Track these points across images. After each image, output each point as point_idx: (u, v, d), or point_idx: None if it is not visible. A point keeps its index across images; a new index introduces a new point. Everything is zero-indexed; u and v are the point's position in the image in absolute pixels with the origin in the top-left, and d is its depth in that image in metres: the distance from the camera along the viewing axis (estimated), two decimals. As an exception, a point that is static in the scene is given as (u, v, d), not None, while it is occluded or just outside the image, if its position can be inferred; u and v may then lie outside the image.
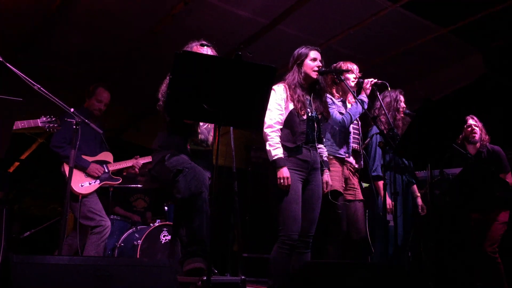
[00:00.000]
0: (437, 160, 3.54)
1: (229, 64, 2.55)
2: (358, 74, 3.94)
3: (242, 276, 3.09)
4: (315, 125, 3.41)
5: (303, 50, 3.49)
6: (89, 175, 4.24)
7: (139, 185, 5.45)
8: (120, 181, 4.47)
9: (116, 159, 4.51)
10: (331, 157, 3.82)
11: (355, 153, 4.00)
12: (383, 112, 4.13)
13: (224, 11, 4.73)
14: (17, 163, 8.36)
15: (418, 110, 3.50)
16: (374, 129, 4.29)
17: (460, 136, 4.64)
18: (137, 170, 4.57)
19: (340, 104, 3.92)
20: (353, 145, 3.96)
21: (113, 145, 4.72)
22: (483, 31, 5.18)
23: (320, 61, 3.45)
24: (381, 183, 4.12)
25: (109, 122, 6.14)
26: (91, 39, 5.19)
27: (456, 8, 4.74)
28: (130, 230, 4.91)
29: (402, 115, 4.28)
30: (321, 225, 3.40)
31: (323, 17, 4.90)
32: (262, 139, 3.35)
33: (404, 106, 4.33)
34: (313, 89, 3.50)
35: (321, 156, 3.50)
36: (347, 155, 3.87)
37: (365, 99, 3.78)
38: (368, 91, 3.81)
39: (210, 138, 3.39)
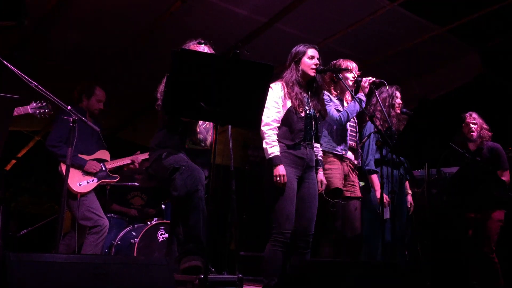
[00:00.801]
0: (434, 159, 3.54)
1: (227, 62, 2.54)
2: (357, 72, 3.93)
3: (239, 274, 3.10)
4: (313, 123, 3.43)
5: (301, 48, 3.49)
6: (87, 173, 4.22)
7: (136, 183, 5.44)
8: (118, 179, 4.46)
9: (113, 158, 4.50)
10: (330, 155, 3.82)
11: (352, 150, 4.00)
12: (379, 108, 4.13)
13: (222, 9, 4.72)
14: (13, 161, 8.34)
15: (415, 109, 3.51)
16: (369, 126, 4.29)
17: (462, 133, 4.64)
18: (136, 165, 4.55)
19: (337, 102, 3.92)
20: (350, 142, 3.95)
21: (109, 143, 4.71)
22: (481, 31, 5.19)
23: (318, 59, 3.46)
24: (374, 176, 4.13)
25: (105, 120, 6.12)
26: (88, 37, 5.18)
27: (454, 8, 4.75)
28: (127, 228, 4.90)
29: (398, 111, 4.28)
30: (316, 223, 3.40)
31: (321, 16, 4.90)
32: (259, 137, 3.36)
33: (400, 102, 4.33)
34: (310, 87, 3.51)
35: (316, 155, 3.51)
36: (344, 152, 3.86)
37: (363, 98, 3.78)
38: (366, 90, 3.81)
39: (209, 138, 3.39)
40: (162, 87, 3.21)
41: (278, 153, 3.24)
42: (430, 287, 3.20)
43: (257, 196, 4.55)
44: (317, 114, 3.49)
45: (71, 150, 3.36)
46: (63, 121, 4.07)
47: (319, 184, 3.49)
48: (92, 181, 4.24)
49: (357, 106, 3.75)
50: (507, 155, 4.64)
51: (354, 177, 3.96)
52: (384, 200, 4.00)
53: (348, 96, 4.03)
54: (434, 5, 4.73)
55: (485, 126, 4.61)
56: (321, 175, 3.54)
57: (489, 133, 4.59)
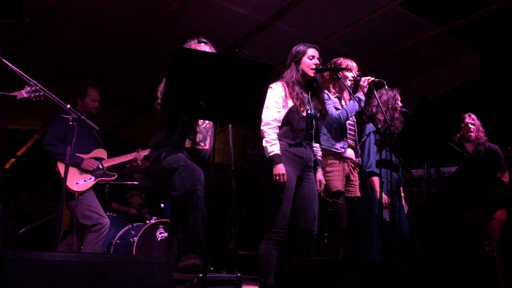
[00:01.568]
0: (433, 159, 3.55)
1: (226, 61, 2.54)
2: (357, 72, 3.93)
3: (238, 273, 3.10)
4: (313, 122, 3.43)
5: (301, 47, 3.49)
6: (84, 171, 4.20)
7: (135, 182, 5.44)
8: (116, 177, 4.44)
9: (111, 156, 4.49)
10: (331, 156, 3.81)
11: (352, 148, 3.99)
12: (380, 110, 4.13)
13: (221, 8, 4.72)
14: (12, 159, 8.33)
15: (414, 108, 3.51)
16: (369, 127, 4.29)
17: (458, 134, 4.64)
18: (139, 162, 4.53)
19: (336, 100, 3.91)
20: (350, 141, 3.95)
21: (108, 142, 4.71)
22: (480, 30, 5.19)
23: (318, 59, 3.46)
24: (375, 179, 4.13)
25: (104, 119, 6.11)
26: (87, 35, 5.17)
27: (453, 7, 4.75)
28: (126, 227, 4.90)
29: (399, 114, 4.28)
30: (319, 223, 3.40)
31: (320, 15, 4.89)
32: (258, 136, 3.36)
33: (401, 105, 4.33)
34: (310, 86, 3.51)
35: (315, 155, 3.51)
36: (343, 149, 3.85)
37: (362, 97, 3.78)
38: (365, 89, 3.81)
39: (209, 138, 3.39)
40: (162, 86, 3.21)
41: (278, 152, 3.24)
42: (428, 287, 3.20)
43: (256, 195, 4.55)
44: (318, 114, 3.50)
45: (70, 149, 3.36)
46: (60, 120, 4.07)
47: (318, 184, 3.49)
48: (89, 179, 4.22)
49: (356, 105, 3.75)
50: (506, 155, 4.64)
51: (355, 177, 3.95)
52: (384, 201, 4.00)
53: (346, 95, 4.03)
54: (433, 5, 4.73)
55: (481, 128, 4.61)
56: (319, 175, 3.54)
57: (485, 137, 4.59)
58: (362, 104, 3.73)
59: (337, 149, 3.83)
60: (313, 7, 4.73)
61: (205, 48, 3.33)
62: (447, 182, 4.57)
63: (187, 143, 3.28)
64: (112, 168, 4.43)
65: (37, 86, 3.14)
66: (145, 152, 4.55)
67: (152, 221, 4.84)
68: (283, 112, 3.36)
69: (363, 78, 3.83)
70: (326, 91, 3.84)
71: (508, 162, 4.56)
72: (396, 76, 5.97)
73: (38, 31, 5.05)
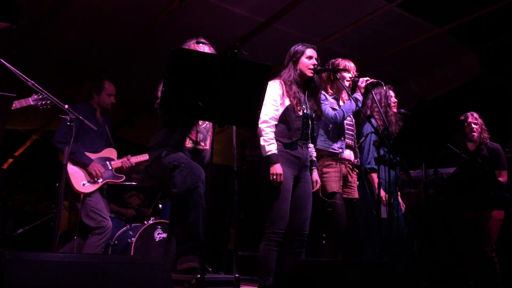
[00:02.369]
0: (432, 159, 3.55)
1: (225, 61, 2.54)
2: (355, 73, 3.93)
3: (236, 274, 3.10)
4: (309, 122, 3.43)
5: (299, 47, 3.49)
6: (90, 173, 4.14)
7: (133, 183, 5.43)
8: (124, 179, 4.37)
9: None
10: (328, 157, 3.81)
11: (350, 149, 3.98)
12: (377, 110, 4.13)
13: (220, 9, 4.72)
14: (10, 160, 8.32)
15: (413, 109, 3.51)
16: (367, 127, 4.29)
17: (461, 133, 4.64)
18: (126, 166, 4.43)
19: (333, 101, 3.91)
20: (348, 140, 3.94)
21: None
22: (479, 31, 5.20)
23: (316, 59, 3.46)
24: (375, 175, 4.13)
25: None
26: (86, 36, 5.16)
27: (452, 8, 4.75)
28: (124, 228, 4.90)
29: (395, 110, 4.28)
30: (317, 223, 3.40)
31: (319, 16, 4.89)
32: (257, 137, 3.36)
33: (396, 100, 4.33)
34: (307, 86, 3.51)
35: (311, 156, 3.51)
36: (341, 150, 3.85)
37: (360, 98, 3.78)
38: (363, 90, 3.81)
39: (209, 138, 3.39)
40: (162, 86, 3.21)
41: (276, 151, 3.24)
42: (427, 287, 3.20)
43: (254, 195, 4.55)
44: (313, 114, 3.49)
45: (68, 149, 3.35)
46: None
47: (314, 184, 3.49)
48: (97, 181, 4.17)
49: (353, 105, 3.75)
50: (505, 156, 4.65)
51: (353, 178, 3.95)
52: (383, 199, 4.00)
53: (344, 95, 4.03)
54: (432, 6, 4.73)
55: (484, 127, 4.62)
56: (315, 175, 3.54)
57: (488, 135, 4.60)
58: (360, 104, 3.74)
59: (335, 150, 3.82)
60: (312, 8, 4.73)
61: (204, 48, 3.33)
62: (446, 182, 4.58)
63: (188, 143, 3.28)
64: (119, 169, 4.37)
65: (35, 86, 3.14)
66: (137, 159, 4.47)
67: (150, 222, 4.83)
68: (280, 110, 3.36)
69: (361, 79, 3.84)
70: (323, 92, 3.84)
71: (508, 163, 4.57)
72: (395, 76, 5.97)
73: (37, 31, 5.04)
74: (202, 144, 3.35)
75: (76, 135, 4.09)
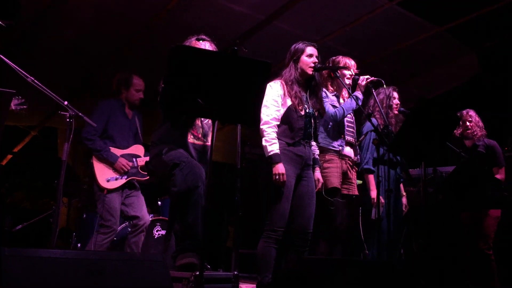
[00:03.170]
0: (431, 158, 3.55)
1: (224, 58, 2.54)
2: (355, 70, 3.93)
3: (235, 271, 3.09)
4: (312, 121, 3.43)
5: (299, 45, 3.49)
6: (116, 170, 4.07)
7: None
8: (148, 177, 4.21)
9: None
10: (329, 152, 3.81)
11: (351, 146, 3.98)
12: (377, 109, 4.13)
13: (220, 6, 4.71)
14: (9, 156, 8.32)
15: (412, 108, 3.51)
16: (367, 126, 4.29)
17: (458, 131, 4.66)
18: None
19: (334, 98, 3.91)
20: (348, 138, 3.94)
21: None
22: (478, 31, 5.20)
23: (316, 57, 3.45)
24: (371, 176, 4.14)
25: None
26: (85, 33, 5.14)
27: (451, 7, 4.76)
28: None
29: (396, 112, 4.28)
30: (315, 221, 3.40)
31: (319, 14, 4.89)
32: (256, 135, 3.36)
33: (398, 103, 4.33)
34: (309, 85, 3.51)
35: (313, 154, 3.51)
36: (341, 147, 3.85)
37: (360, 96, 3.77)
38: (364, 88, 3.81)
39: (210, 134, 3.39)
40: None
41: (278, 151, 3.24)
42: (424, 286, 3.21)
43: (253, 193, 4.55)
44: (316, 113, 3.50)
45: (67, 145, 3.34)
46: (101, 112, 4.07)
47: (316, 182, 3.49)
48: (121, 178, 4.10)
49: (353, 103, 3.75)
50: (503, 155, 4.66)
51: (352, 175, 3.95)
52: (375, 200, 4.01)
53: (345, 93, 4.03)
54: (432, 5, 4.74)
55: (480, 124, 4.64)
56: (318, 174, 3.54)
57: (484, 132, 4.62)
58: (360, 103, 3.73)
59: (335, 147, 3.82)
60: (311, 6, 4.73)
61: (205, 45, 3.31)
62: (445, 181, 4.59)
63: (190, 138, 3.27)
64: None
65: (34, 82, 3.13)
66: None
67: (149, 219, 4.82)
68: (282, 111, 3.36)
69: (361, 77, 3.83)
70: (324, 89, 3.84)
71: (506, 163, 4.58)
72: (394, 75, 5.97)
73: (35, 29, 5.02)
74: (204, 139, 3.35)
75: (104, 131, 4.10)
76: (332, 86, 3.99)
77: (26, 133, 7.85)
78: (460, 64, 5.87)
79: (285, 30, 5.08)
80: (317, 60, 3.45)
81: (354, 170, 3.99)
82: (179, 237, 3.15)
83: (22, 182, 8.75)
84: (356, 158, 4.00)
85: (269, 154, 3.23)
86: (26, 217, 5.81)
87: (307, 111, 3.40)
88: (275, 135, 3.28)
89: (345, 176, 3.87)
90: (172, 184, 3.04)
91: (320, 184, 3.54)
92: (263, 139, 3.28)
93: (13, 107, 3.46)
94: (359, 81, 3.81)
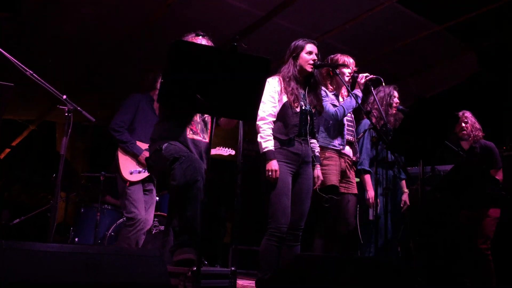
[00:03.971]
0: (429, 157, 3.56)
1: (224, 54, 2.53)
2: (354, 68, 3.92)
3: (232, 267, 3.10)
4: (308, 118, 3.41)
5: (299, 42, 3.48)
6: (140, 162, 4.14)
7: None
8: None
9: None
10: (329, 150, 3.81)
11: (350, 145, 3.99)
12: (376, 106, 4.13)
13: (220, 2, 4.71)
14: (7, 150, 8.31)
15: (411, 106, 3.52)
16: (364, 123, 4.30)
17: (454, 132, 4.66)
18: None
19: (333, 97, 3.91)
20: (348, 137, 3.95)
21: (106, 135, 4.67)
22: (477, 29, 5.21)
23: (316, 54, 3.45)
24: (367, 177, 4.14)
25: (101, 112, 6.09)
26: (84, 29, 5.13)
27: (451, 6, 4.76)
28: (121, 220, 4.89)
29: (395, 111, 4.28)
30: (308, 218, 3.41)
31: (319, 11, 4.89)
32: (254, 131, 3.36)
33: (398, 101, 4.34)
34: (308, 82, 3.50)
35: (313, 151, 3.50)
36: (341, 147, 3.85)
37: (360, 94, 3.77)
38: (363, 86, 3.81)
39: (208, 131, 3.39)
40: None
41: (272, 148, 3.25)
42: (422, 283, 3.22)
43: (250, 190, 4.55)
44: (313, 110, 3.49)
45: (65, 140, 3.33)
46: (130, 104, 4.14)
47: (315, 180, 3.49)
48: (144, 171, 4.15)
49: (353, 102, 3.75)
50: (502, 154, 4.66)
51: (351, 174, 3.95)
52: (372, 200, 4.02)
53: (344, 91, 4.03)
54: (432, 3, 4.74)
55: (477, 125, 4.62)
56: (317, 171, 3.53)
57: (481, 133, 4.61)
58: (359, 101, 3.73)
59: (335, 146, 3.83)
60: (311, 3, 4.73)
61: (202, 41, 3.31)
62: (442, 180, 4.59)
63: (189, 134, 3.27)
64: None
65: (33, 76, 3.12)
66: None
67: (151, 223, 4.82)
68: (278, 107, 3.36)
69: (360, 75, 3.83)
70: (323, 88, 3.83)
71: (503, 162, 4.58)
72: (393, 74, 5.97)
73: (34, 23, 5.01)
74: (204, 135, 3.35)
75: (132, 125, 4.17)
76: (331, 85, 3.99)
77: (25, 127, 7.84)
78: (460, 62, 5.87)
79: (285, 27, 5.08)
80: (316, 58, 3.44)
81: (353, 169, 3.99)
82: (177, 231, 3.15)
83: (20, 176, 8.74)
84: (354, 157, 4.01)
85: (264, 150, 3.24)
86: (24, 211, 5.81)
87: (303, 108, 3.39)
88: (270, 131, 3.28)
89: (344, 175, 3.87)
90: (172, 178, 3.04)
91: (319, 181, 3.54)
92: (258, 135, 3.28)
93: None
94: (358, 79, 3.81)
